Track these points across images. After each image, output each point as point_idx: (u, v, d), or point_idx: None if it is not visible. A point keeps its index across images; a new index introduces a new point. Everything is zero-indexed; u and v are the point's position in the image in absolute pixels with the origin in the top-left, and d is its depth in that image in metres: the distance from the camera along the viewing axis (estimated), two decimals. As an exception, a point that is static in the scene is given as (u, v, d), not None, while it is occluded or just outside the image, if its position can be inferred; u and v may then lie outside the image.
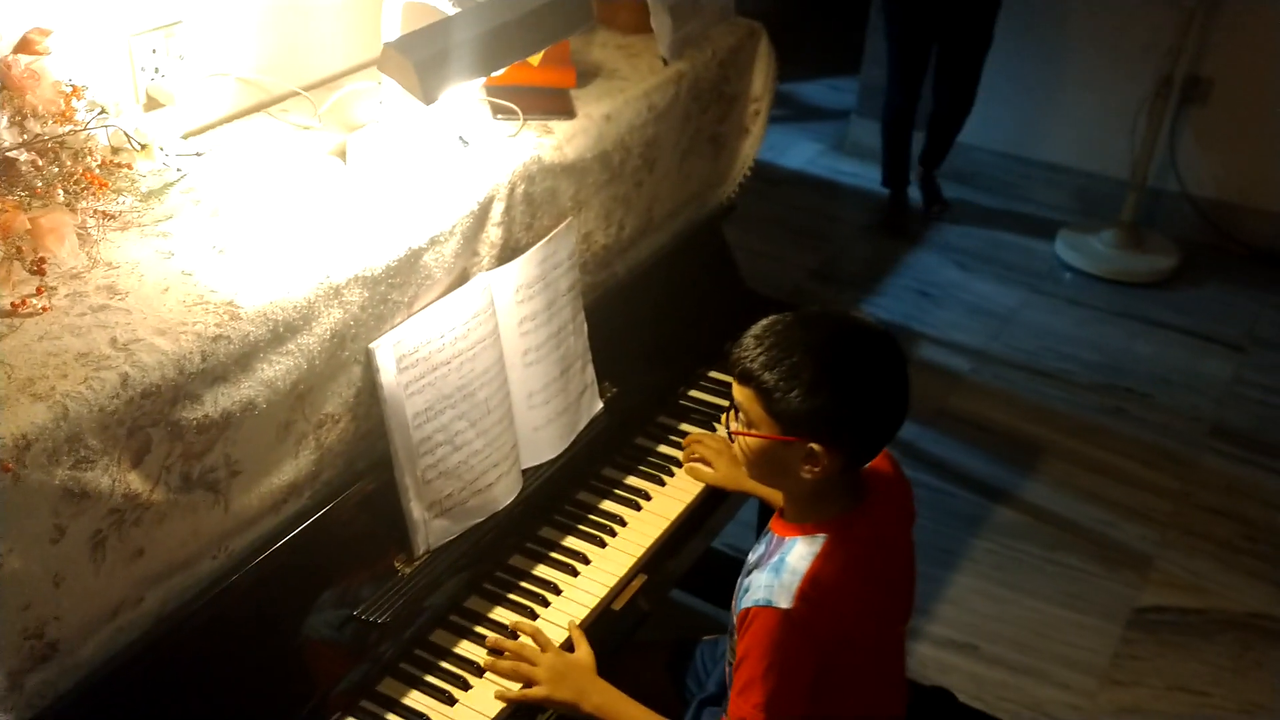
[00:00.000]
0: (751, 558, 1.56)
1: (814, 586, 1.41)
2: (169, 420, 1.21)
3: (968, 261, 4.06)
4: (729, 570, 2.65)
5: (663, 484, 1.91)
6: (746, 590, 1.47)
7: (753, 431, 1.43)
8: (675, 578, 1.85)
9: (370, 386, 1.49)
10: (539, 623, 1.64)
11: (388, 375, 1.48)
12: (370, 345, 1.47)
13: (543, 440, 1.78)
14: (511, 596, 1.69)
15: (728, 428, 1.50)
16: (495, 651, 1.58)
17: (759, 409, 1.42)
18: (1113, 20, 4.09)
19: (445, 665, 1.58)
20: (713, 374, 2.16)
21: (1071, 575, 2.84)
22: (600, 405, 1.90)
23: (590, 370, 1.87)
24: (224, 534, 1.36)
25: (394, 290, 1.47)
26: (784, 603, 1.41)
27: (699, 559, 2.15)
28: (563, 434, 1.81)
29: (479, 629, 1.64)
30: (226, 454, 1.31)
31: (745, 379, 1.43)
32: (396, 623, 1.54)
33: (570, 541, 1.80)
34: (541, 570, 1.75)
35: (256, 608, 1.42)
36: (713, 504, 1.92)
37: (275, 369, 1.32)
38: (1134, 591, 2.80)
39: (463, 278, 1.61)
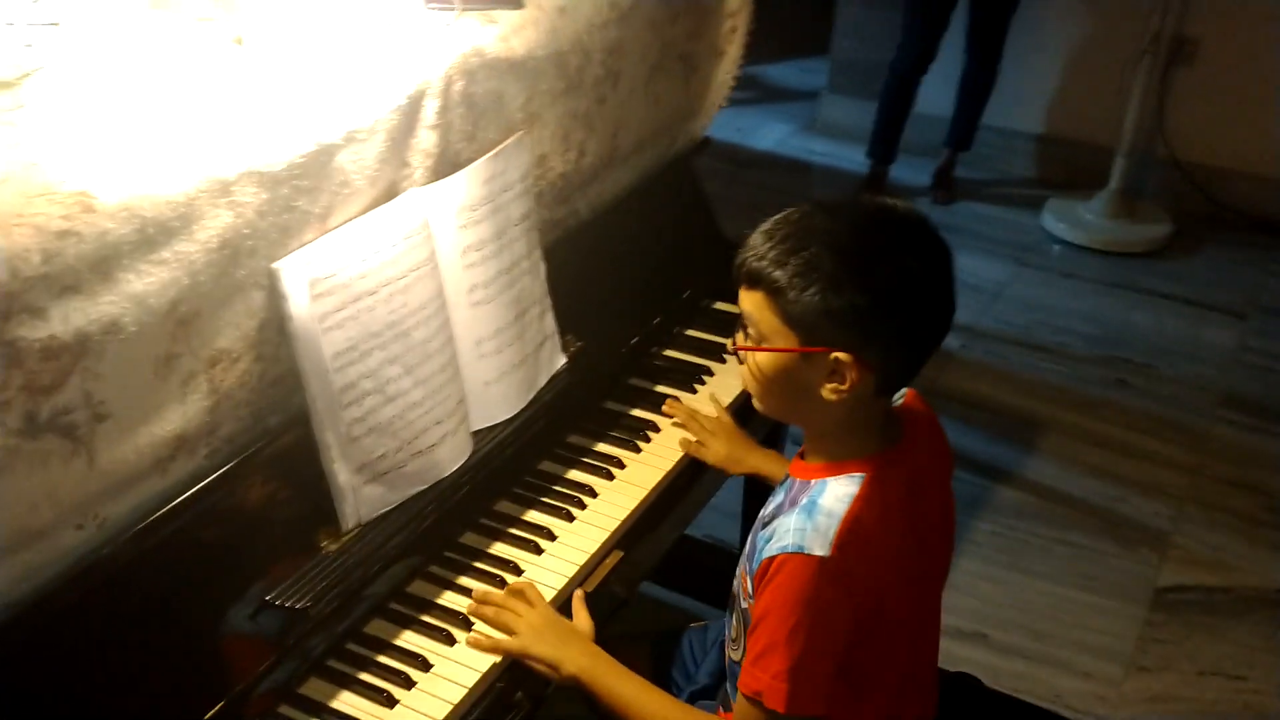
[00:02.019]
0: (767, 509, 1.30)
1: (854, 533, 1.17)
2: (2, 339, 0.94)
3: (951, 237, 3.73)
4: (710, 561, 2.42)
5: (638, 450, 1.65)
6: (770, 538, 1.21)
7: (764, 346, 1.18)
8: (655, 556, 1.58)
9: (277, 318, 1.22)
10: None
11: (297, 303, 1.21)
12: (274, 265, 1.19)
13: (496, 397, 1.51)
14: (463, 580, 1.42)
15: (734, 350, 1.24)
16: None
17: (771, 316, 1.16)
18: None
19: (385, 660, 1.31)
20: (690, 332, 1.90)
21: (1084, 555, 2.61)
22: (563, 360, 1.64)
23: (550, 319, 1.60)
24: (91, 497, 1.08)
25: (301, 196, 1.20)
26: (819, 549, 1.16)
27: (677, 548, 1.88)
28: (519, 391, 1.54)
29: (425, 618, 1.36)
30: (87, 391, 1.03)
31: (753, 280, 1.18)
32: (323, 611, 1.27)
33: (533, 515, 1.52)
34: (499, 549, 1.47)
35: (140, 591, 1.14)
36: (696, 472, 1.65)
37: (146, 282, 1.05)
38: (1153, 570, 2.58)
39: (391, 193, 1.34)
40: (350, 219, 1.28)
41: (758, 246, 1.18)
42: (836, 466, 1.22)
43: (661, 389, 1.76)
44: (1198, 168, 3.98)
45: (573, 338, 1.66)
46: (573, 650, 1.31)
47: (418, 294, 1.34)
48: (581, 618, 1.37)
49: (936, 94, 3.99)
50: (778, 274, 1.14)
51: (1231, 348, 3.35)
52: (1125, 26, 3.83)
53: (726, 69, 1.95)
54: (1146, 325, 3.46)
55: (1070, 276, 3.71)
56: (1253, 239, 3.90)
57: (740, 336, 1.23)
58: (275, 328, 1.23)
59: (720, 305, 1.95)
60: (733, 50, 1.94)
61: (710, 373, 1.80)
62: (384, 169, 1.30)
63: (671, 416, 1.69)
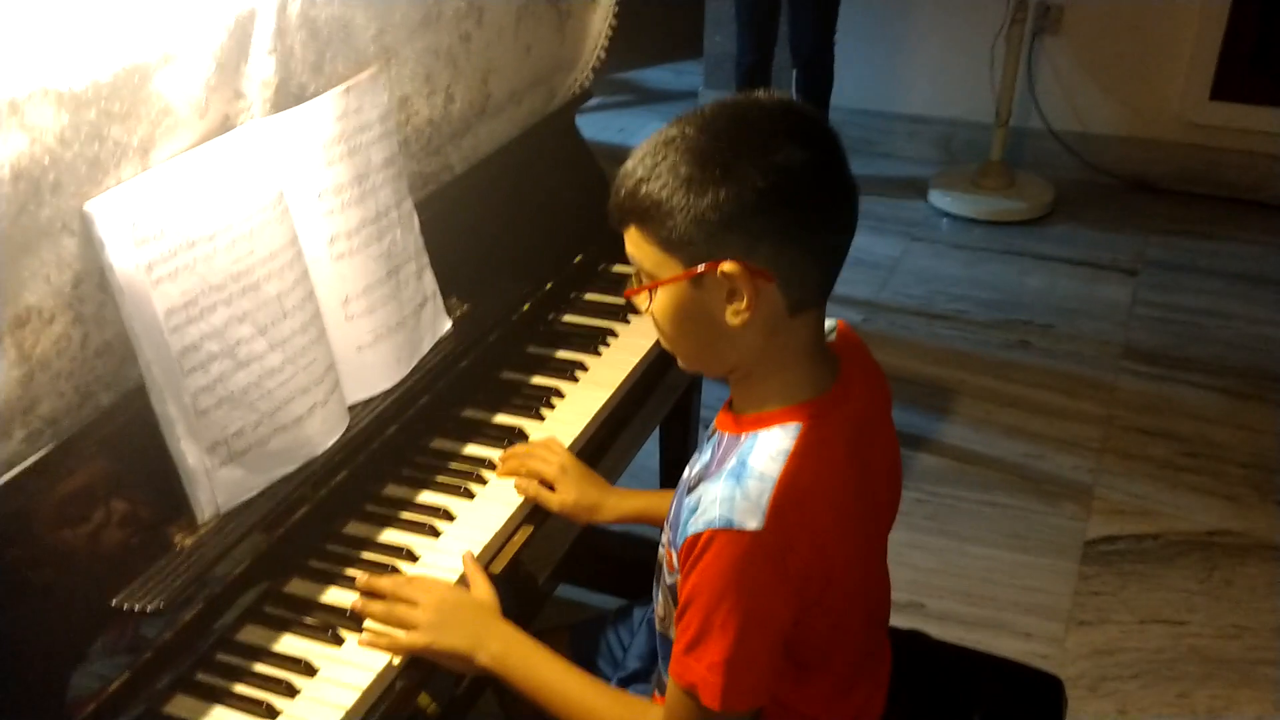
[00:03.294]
0: (691, 471, 1.13)
1: (790, 498, 1.00)
2: None
3: (839, 219, 3.77)
4: (632, 554, 2.25)
5: (542, 419, 1.48)
6: (694, 510, 1.04)
7: (651, 283, 1.03)
8: (571, 530, 1.41)
9: (97, 271, 1.03)
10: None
11: (118, 251, 1.02)
12: (85, 206, 1.00)
13: (373, 364, 1.33)
14: (350, 571, 1.23)
15: (629, 303, 1.08)
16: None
17: (650, 249, 1.01)
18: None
19: (262, 669, 1.11)
20: (589, 296, 1.74)
21: (1011, 515, 2.53)
22: (449, 324, 1.47)
23: (430, 278, 1.43)
24: None
25: (113, 123, 1.01)
26: (752, 522, 0.99)
27: (594, 543, 1.72)
28: (400, 357, 1.36)
29: (307, 619, 1.17)
30: None
31: (623, 216, 1.03)
32: (181, 618, 1.07)
33: (426, 496, 1.35)
34: (390, 536, 1.29)
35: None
36: (614, 429, 1.50)
37: (-86, 213, 0.85)
38: (1080, 524, 2.50)
39: (225, 127, 1.16)
40: (178, 155, 1.09)
41: (623, 176, 1.03)
42: (767, 417, 1.06)
43: (563, 355, 1.60)
44: (1071, 134, 4.00)
45: (457, 301, 1.49)
46: (483, 634, 1.14)
47: (266, 241, 1.15)
48: (479, 582, 1.20)
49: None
50: (640, 198, 1.00)
51: (1126, 302, 3.34)
52: (992, 2, 3.83)
53: (602, 17, 1.81)
54: (1041, 287, 3.43)
55: (961, 248, 3.68)
56: (1131, 199, 3.93)
57: (632, 283, 1.07)
58: (95, 283, 1.04)
59: (619, 268, 1.80)
60: (604, -3, 1.81)
61: (614, 334, 1.65)
62: (214, 99, 1.12)
63: (521, 470, 1.39)
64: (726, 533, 1.00)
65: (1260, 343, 3.14)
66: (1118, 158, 3.98)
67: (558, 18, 1.72)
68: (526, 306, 1.61)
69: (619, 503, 1.37)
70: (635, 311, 1.05)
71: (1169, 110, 3.87)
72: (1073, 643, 2.19)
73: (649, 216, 1.00)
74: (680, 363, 1.11)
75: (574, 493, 1.35)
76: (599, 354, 1.61)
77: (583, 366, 1.57)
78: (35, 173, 0.95)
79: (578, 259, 1.75)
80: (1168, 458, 2.70)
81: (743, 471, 1.02)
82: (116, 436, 1.07)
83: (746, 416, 1.08)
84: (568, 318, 1.69)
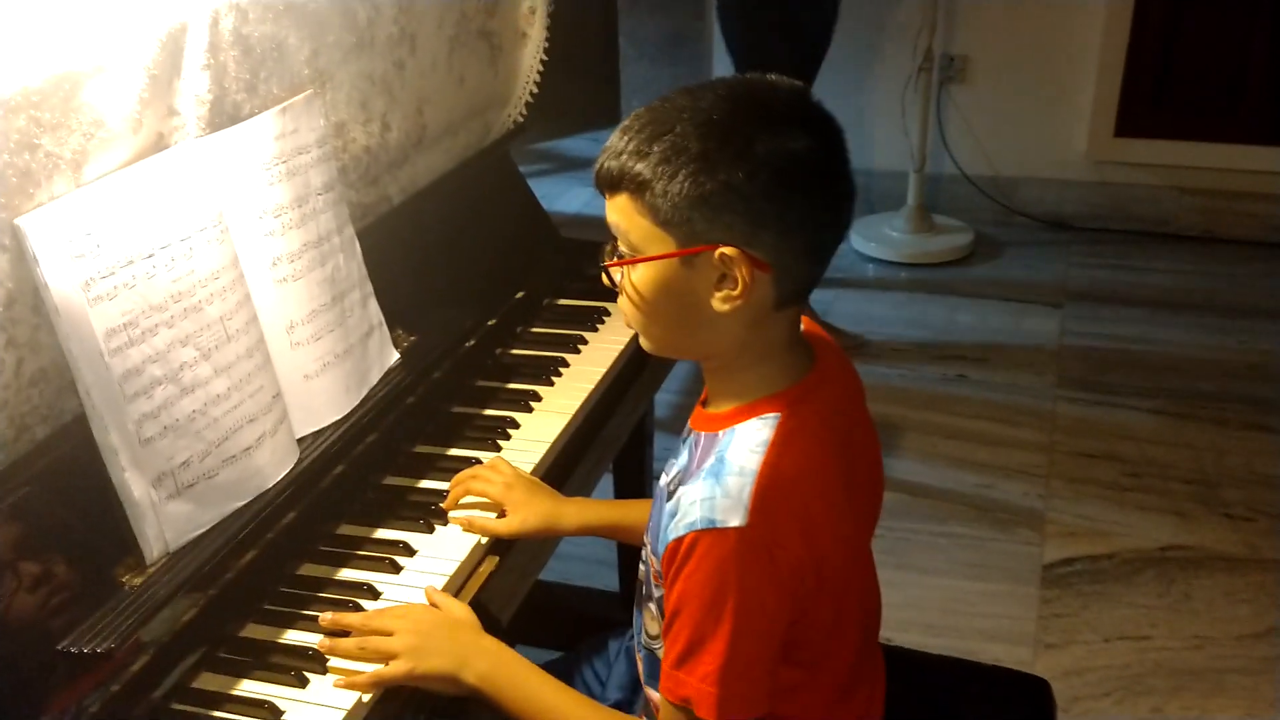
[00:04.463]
0: (666, 478, 1.08)
1: (773, 488, 0.96)
2: None
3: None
4: (595, 609, 2.18)
5: (499, 449, 1.43)
6: (674, 515, 0.99)
7: (637, 257, 0.99)
8: (537, 562, 1.34)
9: (29, 290, 0.96)
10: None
11: (52, 267, 0.95)
12: (17, 220, 0.94)
13: (320, 394, 1.26)
14: (310, 610, 1.15)
15: (606, 273, 1.03)
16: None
17: (640, 221, 0.97)
18: (863, 14, 4.00)
19: (224, 716, 1.02)
20: (536, 329, 1.70)
21: (966, 544, 2.52)
22: (396, 355, 1.41)
23: (375, 307, 1.37)
24: None
25: (43, 132, 0.95)
26: (735, 519, 0.95)
27: (555, 601, 1.66)
28: (348, 386, 1.30)
29: (272, 658, 1.09)
30: None
31: (614, 183, 0.98)
32: (131, 667, 0.98)
33: (384, 532, 1.28)
34: (348, 574, 1.22)
35: None
36: (574, 456, 1.45)
37: None
38: (1035, 549, 2.50)
39: (159, 145, 1.10)
40: (113, 171, 1.04)
41: (614, 143, 0.99)
42: (744, 410, 1.02)
43: (515, 386, 1.55)
44: (984, 178, 4.09)
45: (404, 333, 1.44)
46: (467, 652, 1.07)
47: (207, 261, 1.09)
48: (452, 603, 1.13)
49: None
50: (639, 167, 0.95)
51: (1054, 333, 3.40)
52: (898, 52, 3.93)
53: (532, 53, 1.80)
54: (971, 323, 3.47)
55: (889, 289, 3.72)
56: (1047, 237, 4.02)
57: (608, 253, 1.03)
58: (29, 304, 0.97)
59: (563, 301, 1.77)
60: (535, 33, 1.80)
61: (566, 363, 1.60)
62: (148, 114, 1.07)
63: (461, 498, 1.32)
64: (709, 533, 0.95)
65: (1187, 364, 3.20)
66: (1031, 198, 4.08)
67: (490, 51, 1.70)
68: (473, 341, 1.56)
69: (580, 511, 1.30)
70: (607, 284, 1.00)
71: (1076, 149, 3.99)
72: (1042, 666, 2.17)
73: (646, 187, 0.95)
74: (647, 344, 1.06)
75: (523, 509, 1.28)
76: (552, 384, 1.56)
77: (536, 396, 1.52)
78: (-41, 181, 0.89)
79: (519, 295, 1.71)
80: (1113, 479, 2.72)
81: (721, 468, 0.98)
82: (55, 470, 0.99)
83: (722, 412, 1.04)
84: (516, 350, 1.65)
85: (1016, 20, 3.94)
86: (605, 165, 0.99)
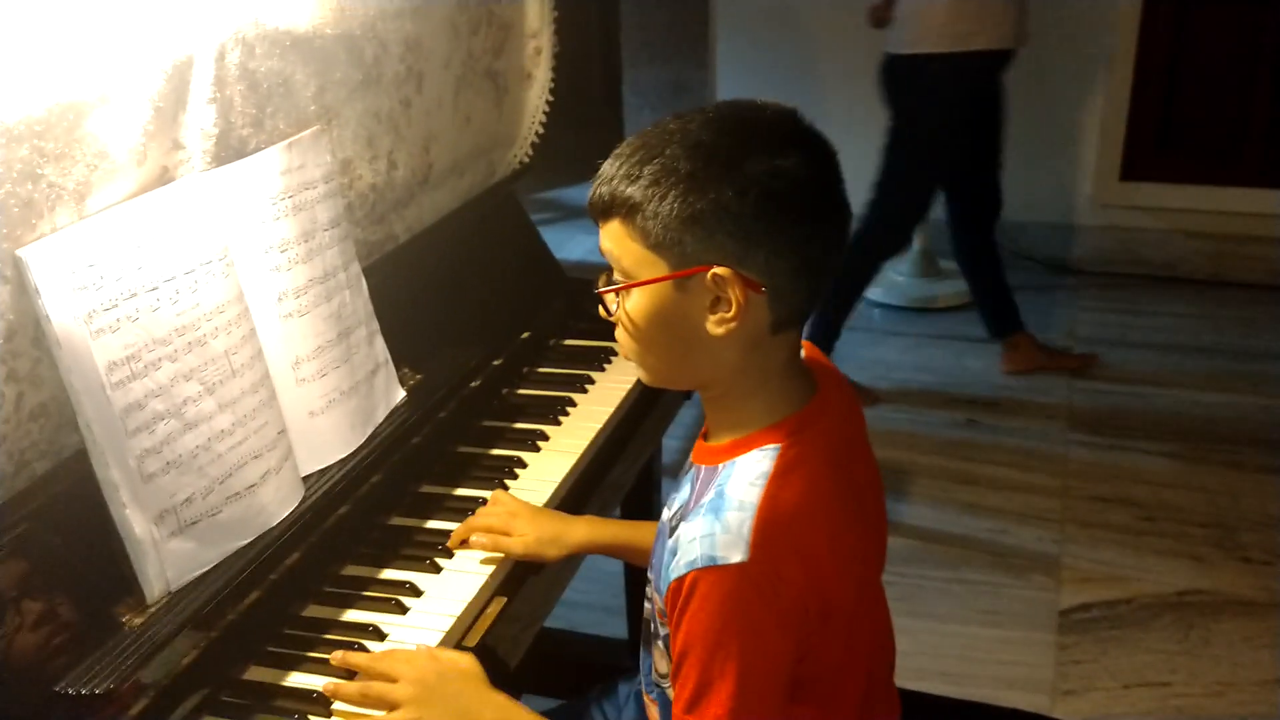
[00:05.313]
0: (668, 513, 1.06)
1: (774, 521, 0.94)
2: None
3: (775, 317, 3.79)
4: (600, 657, 2.14)
5: (506, 489, 1.40)
6: (674, 553, 0.97)
7: (631, 282, 0.97)
8: (546, 604, 1.31)
9: (30, 322, 0.94)
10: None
11: (54, 299, 0.94)
12: (19, 251, 0.93)
13: (326, 432, 1.24)
14: (314, 653, 1.12)
15: (601, 301, 1.02)
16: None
17: (632, 245, 0.96)
18: (874, 59, 4.03)
19: (220, 764, 0.99)
20: (543, 369, 1.68)
21: (981, 591, 2.47)
22: (402, 393, 1.39)
23: (381, 344, 1.36)
24: None
25: (46, 163, 0.94)
26: (736, 555, 0.93)
27: (561, 649, 1.62)
28: (354, 424, 1.28)
29: (275, 702, 1.06)
30: None
31: (605, 209, 0.97)
32: (130, 711, 0.95)
33: (390, 572, 1.25)
34: (353, 615, 1.19)
35: None
36: (584, 494, 1.42)
37: None
38: (1051, 595, 2.46)
39: (164, 179, 1.09)
40: (117, 204, 1.02)
41: (606, 170, 0.98)
42: (744, 442, 1.00)
43: (522, 425, 1.53)
44: (991, 223, 4.09)
45: (409, 371, 1.42)
46: (475, 706, 1.04)
47: (212, 294, 1.08)
48: (457, 657, 1.10)
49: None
50: (630, 190, 0.95)
51: (1066, 377, 3.37)
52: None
53: (538, 94, 1.80)
54: (980, 368, 3.45)
55: (896, 334, 3.71)
56: (1054, 282, 4.02)
57: (603, 282, 1.02)
58: (30, 336, 0.95)
59: (570, 341, 1.75)
60: (540, 74, 1.80)
61: (573, 403, 1.58)
62: (153, 146, 1.06)
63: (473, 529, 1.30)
64: (710, 571, 0.93)
65: (1199, 408, 3.17)
66: (1037, 242, 4.07)
67: (495, 92, 1.70)
68: (479, 381, 1.54)
69: (587, 530, 1.29)
70: (604, 315, 0.99)
71: (1082, 194, 3.99)
72: (1061, 714, 2.12)
73: (637, 210, 0.94)
74: (645, 376, 1.04)
75: (531, 530, 1.27)
76: (559, 423, 1.54)
77: (544, 436, 1.50)
78: (-39, 209, 0.87)
79: (525, 335, 1.69)
80: (1128, 523, 2.68)
81: (720, 503, 0.96)
82: (55, 507, 0.97)
83: (722, 444, 1.02)
84: (523, 390, 1.63)
85: (1020, 65, 3.96)
86: (597, 192, 0.98)
